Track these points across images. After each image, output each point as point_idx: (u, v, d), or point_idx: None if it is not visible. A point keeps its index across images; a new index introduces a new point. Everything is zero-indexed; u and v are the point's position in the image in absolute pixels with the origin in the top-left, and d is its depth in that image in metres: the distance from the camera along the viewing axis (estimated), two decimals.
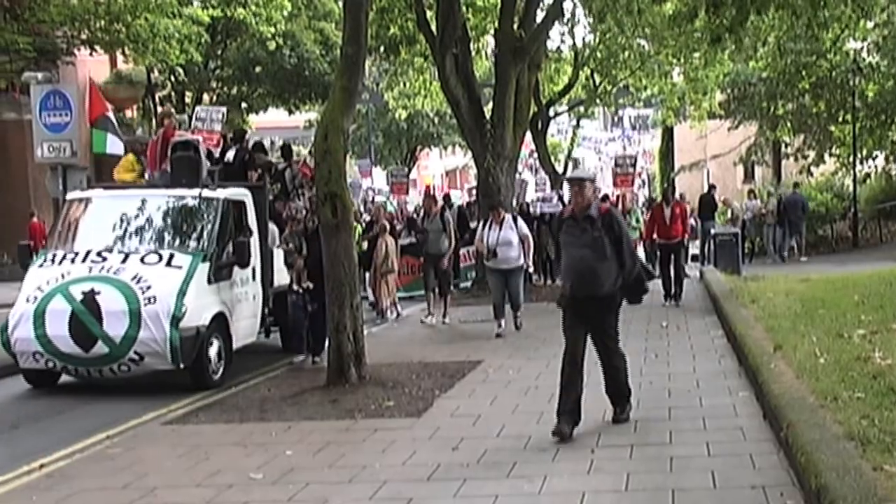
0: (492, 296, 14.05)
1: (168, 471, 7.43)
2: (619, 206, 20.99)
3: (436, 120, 38.57)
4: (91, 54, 22.11)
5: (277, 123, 36.67)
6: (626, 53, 26.22)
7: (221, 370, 11.24)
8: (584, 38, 28.49)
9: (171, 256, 11.12)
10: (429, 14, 18.10)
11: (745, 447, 6.93)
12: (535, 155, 36.01)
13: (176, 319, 10.52)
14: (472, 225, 18.93)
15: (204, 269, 11.15)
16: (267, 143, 15.41)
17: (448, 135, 39.71)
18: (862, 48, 28.01)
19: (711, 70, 26.26)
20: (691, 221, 22.75)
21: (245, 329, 12.13)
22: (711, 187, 28.60)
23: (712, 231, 23.32)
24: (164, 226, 11.86)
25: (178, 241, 11.55)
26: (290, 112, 31.20)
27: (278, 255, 13.02)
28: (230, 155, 14.21)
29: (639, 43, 25.52)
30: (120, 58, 24.55)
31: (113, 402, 10.43)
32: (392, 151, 41.96)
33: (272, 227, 12.96)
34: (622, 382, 8.00)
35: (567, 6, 23.54)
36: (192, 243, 11.54)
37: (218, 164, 13.76)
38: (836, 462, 5.43)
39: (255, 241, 12.29)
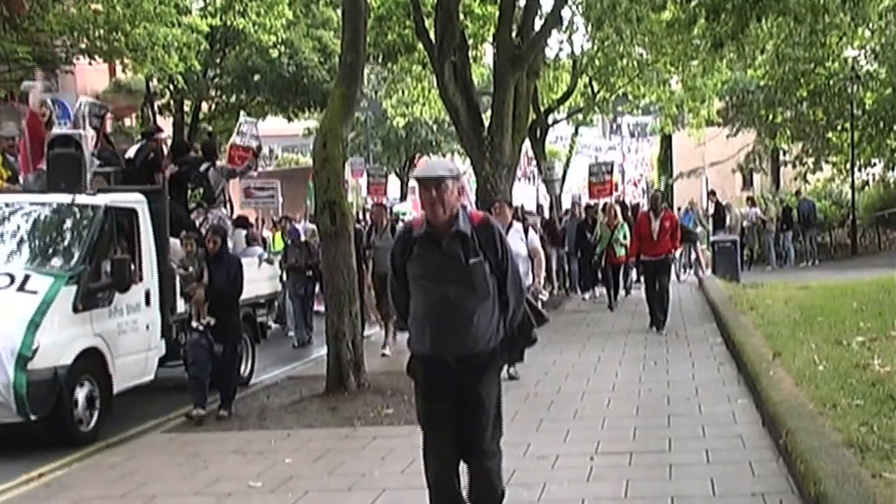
0: None
1: (167, 479, 7.43)
2: (606, 218, 17.86)
3: (434, 127, 38.60)
4: (90, 63, 22.15)
5: (276, 131, 36.70)
6: (625, 61, 26.21)
7: (94, 419, 9.11)
8: (582, 46, 28.51)
9: (26, 278, 8.93)
10: (427, 22, 18.08)
11: (745, 454, 6.94)
12: (534, 162, 36.05)
13: (23, 359, 8.34)
14: None
15: (69, 293, 8.94)
16: (266, 151, 14.10)
17: (447, 142, 39.72)
18: (859, 56, 28.06)
19: (709, 78, 26.29)
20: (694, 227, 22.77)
21: (133, 367, 9.86)
22: (711, 194, 28.63)
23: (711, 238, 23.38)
24: (25, 240, 9.68)
25: (38, 260, 9.39)
26: (290, 120, 31.24)
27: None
28: (131, 152, 12.24)
29: (637, 51, 25.54)
30: (119, 67, 24.57)
31: (112, 411, 10.34)
32: (391, 159, 41.98)
33: (174, 241, 10.59)
34: (494, 495, 5.36)
35: (565, 14, 23.51)
36: (57, 261, 9.37)
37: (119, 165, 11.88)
38: (836, 469, 5.44)
39: (150, 259, 10.22)
